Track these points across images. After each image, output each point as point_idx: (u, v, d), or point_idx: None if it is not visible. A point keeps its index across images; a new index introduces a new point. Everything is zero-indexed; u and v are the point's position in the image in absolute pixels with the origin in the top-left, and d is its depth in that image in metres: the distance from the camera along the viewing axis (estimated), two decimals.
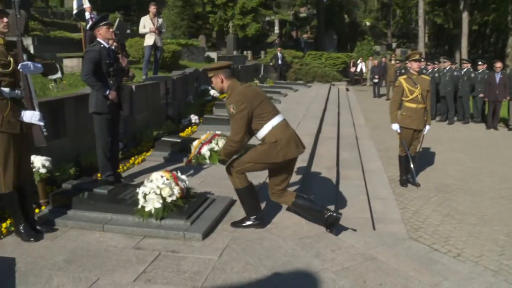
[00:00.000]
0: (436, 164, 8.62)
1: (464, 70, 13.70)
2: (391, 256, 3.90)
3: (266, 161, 4.10)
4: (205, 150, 4.20)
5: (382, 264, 3.70)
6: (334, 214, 4.22)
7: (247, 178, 4.26)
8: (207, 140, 4.25)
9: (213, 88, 13.38)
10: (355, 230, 4.58)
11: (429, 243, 5.04)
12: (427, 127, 6.99)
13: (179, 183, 4.39)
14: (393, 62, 20.44)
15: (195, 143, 4.30)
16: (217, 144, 4.23)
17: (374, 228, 5.21)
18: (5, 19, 3.80)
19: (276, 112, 4.16)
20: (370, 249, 3.99)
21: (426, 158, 8.65)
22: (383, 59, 23.11)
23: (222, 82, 4.13)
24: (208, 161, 4.24)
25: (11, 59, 3.83)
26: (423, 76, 7.25)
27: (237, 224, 4.34)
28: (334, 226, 4.25)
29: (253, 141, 4.28)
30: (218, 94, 13.46)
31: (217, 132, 4.41)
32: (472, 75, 13.37)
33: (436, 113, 14.15)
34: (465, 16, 31.43)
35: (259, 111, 4.02)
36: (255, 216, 4.31)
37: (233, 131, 4.03)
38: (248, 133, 4.13)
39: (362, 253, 3.88)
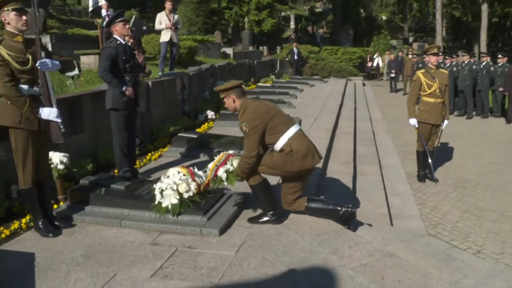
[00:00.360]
0: (455, 159, 8.51)
1: (483, 63, 13.46)
2: (409, 252, 3.85)
3: (281, 169, 4.11)
4: (221, 172, 4.18)
5: (401, 260, 3.65)
6: (349, 209, 4.19)
7: (261, 175, 4.25)
8: (222, 162, 4.22)
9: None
10: (370, 225, 4.55)
11: (448, 239, 4.98)
12: (445, 121, 6.90)
13: (196, 179, 4.39)
14: (410, 56, 20.22)
15: (210, 165, 4.28)
16: (232, 165, 4.22)
17: (391, 224, 5.17)
18: (24, 17, 3.84)
19: (290, 124, 4.16)
20: (388, 245, 3.95)
21: (444, 153, 8.55)
22: (400, 53, 22.87)
23: (234, 102, 4.19)
24: (226, 183, 4.22)
25: (30, 57, 3.87)
26: (441, 70, 7.16)
27: (254, 220, 4.33)
28: (350, 221, 4.21)
29: None
30: None
31: (230, 152, 4.40)
32: (492, 68, 13.13)
33: (454, 108, 13.96)
34: (484, 8, 30.89)
35: (272, 125, 4.04)
36: (272, 212, 4.29)
37: (247, 148, 4.07)
38: (262, 148, 4.13)
39: (380, 249, 3.84)
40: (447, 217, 5.69)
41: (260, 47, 30.08)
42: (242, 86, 4.31)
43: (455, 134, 10.29)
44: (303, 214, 4.50)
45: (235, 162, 4.20)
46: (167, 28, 10.38)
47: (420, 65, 15.93)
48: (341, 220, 4.22)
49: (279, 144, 4.07)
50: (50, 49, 5.33)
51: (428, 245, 4.16)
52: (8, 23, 3.81)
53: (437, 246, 4.18)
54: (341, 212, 4.18)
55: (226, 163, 4.21)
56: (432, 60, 6.78)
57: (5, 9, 3.78)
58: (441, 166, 7.89)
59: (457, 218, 5.65)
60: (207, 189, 4.48)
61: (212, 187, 4.29)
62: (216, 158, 4.29)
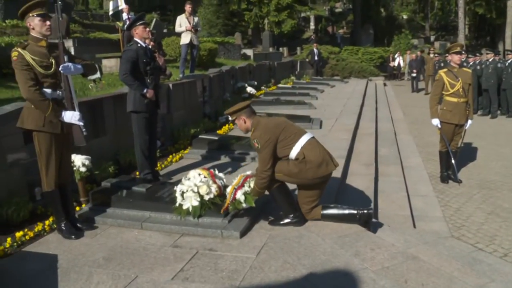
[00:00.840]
0: (479, 159, 8.35)
1: (509, 61, 13.16)
2: (433, 255, 3.78)
3: (296, 177, 4.11)
4: (239, 195, 4.19)
5: (424, 263, 3.59)
6: (365, 211, 4.20)
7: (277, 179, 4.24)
8: (240, 185, 4.24)
9: (250, 85, 13.47)
10: (388, 226, 4.49)
11: (473, 242, 4.87)
12: (469, 121, 6.78)
13: (217, 181, 4.40)
14: (431, 55, 19.94)
15: (229, 189, 4.28)
16: (249, 186, 4.24)
17: (414, 226, 5.09)
18: (48, 22, 3.90)
19: (302, 133, 4.19)
20: (411, 248, 3.89)
21: (468, 154, 8.39)
22: (418, 53, 22.56)
23: (245, 122, 4.22)
24: (244, 205, 4.22)
25: (53, 61, 3.93)
26: (464, 69, 7.01)
27: (275, 222, 4.31)
28: (369, 223, 4.21)
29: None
30: (255, 91, 13.47)
31: (248, 173, 4.40)
32: None
33: (478, 107, 13.70)
34: (510, 4, 30.14)
35: (283, 137, 4.09)
36: (292, 215, 4.28)
37: (261, 162, 4.11)
38: (276, 161, 4.14)
39: (402, 252, 3.79)
40: (472, 219, 5.57)
41: (280, 48, 30.08)
42: (251, 105, 4.33)
43: (479, 134, 10.11)
44: None
45: (253, 184, 4.22)
46: (187, 30, 10.44)
47: (442, 64, 15.68)
48: (360, 223, 4.21)
49: (293, 153, 4.09)
50: (72, 53, 5.41)
51: (452, 248, 4.10)
52: (33, 28, 3.88)
53: (461, 249, 4.11)
54: (357, 216, 4.19)
55: (244, 186, 4.23)
56: (455, 59, 6.67)
57: (30, 14, 3.85)
58: (465, 167, 7.75)
59: (482, 220, 5.53)
60: (227, 191, 4.48)
61: (231, 210, 4.29)
62: (234, 181, 4.30)
